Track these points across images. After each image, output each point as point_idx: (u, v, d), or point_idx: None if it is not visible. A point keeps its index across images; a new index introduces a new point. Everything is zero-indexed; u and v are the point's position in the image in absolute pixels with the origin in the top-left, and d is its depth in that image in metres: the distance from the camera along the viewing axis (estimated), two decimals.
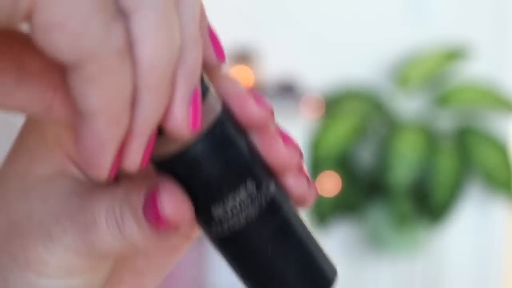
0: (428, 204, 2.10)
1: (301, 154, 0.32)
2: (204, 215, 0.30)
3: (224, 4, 2.21)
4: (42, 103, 0.28)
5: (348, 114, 2.13)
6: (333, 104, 2.16)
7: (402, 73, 2.21)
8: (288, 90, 2.10)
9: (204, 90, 0.28)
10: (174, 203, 0.29)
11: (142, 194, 0.30)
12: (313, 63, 2.23)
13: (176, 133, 0.27)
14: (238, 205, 0.29)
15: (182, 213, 0.29)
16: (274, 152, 0.31)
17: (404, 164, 2.08)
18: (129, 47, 0.25)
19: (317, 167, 2.06)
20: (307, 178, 0.32)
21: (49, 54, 0.24)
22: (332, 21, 2.24)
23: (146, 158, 0.28)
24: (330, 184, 2.08)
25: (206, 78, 0.29)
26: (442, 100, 2.20)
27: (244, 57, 2.18)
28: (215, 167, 0.29)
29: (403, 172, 2.07)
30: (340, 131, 2.11)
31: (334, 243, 2.19)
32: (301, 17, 2.23)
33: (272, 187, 0.30)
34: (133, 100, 0.26)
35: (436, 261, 2.27)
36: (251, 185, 0.29)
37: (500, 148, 2.13)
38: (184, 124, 0.27)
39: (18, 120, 2.24)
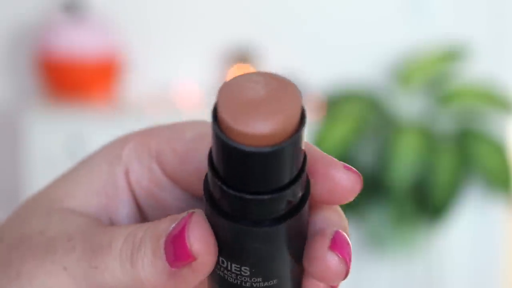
0: (428, 204, 2.10)
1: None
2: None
3: (225, 2, 2.20)
4: None
5: (348, 114, 2.13)
6: (334, 104, 2.16)
7: (403, 73, 2.20)
8: None
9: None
10: (202, 237, 0.28)
11: (172, 222, 0.28)
12: (314, 63, 2.22)
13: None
14: (236, 273, 0.29)
15: (206, 250, 0.28)
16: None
17: (404, 164, 2.07)
18: None
19: None
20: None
21: None
22: (333, 21, 2.23)
23: None
24: None
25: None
26: (443, 100, 2.19)
27: (244, 56, 2.17)
28: (259, 247, 0.28)
29: (403, 172, 2.07)
30: (340, 131, 2.10)
31: None
32: (302, 17, 2.23)
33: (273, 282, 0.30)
34: None
35: (435, 261, 2.27)
36: (260, 278, 0.29)
37: (499, 149, 2.13)
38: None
39: (15, 122, 2.23)
